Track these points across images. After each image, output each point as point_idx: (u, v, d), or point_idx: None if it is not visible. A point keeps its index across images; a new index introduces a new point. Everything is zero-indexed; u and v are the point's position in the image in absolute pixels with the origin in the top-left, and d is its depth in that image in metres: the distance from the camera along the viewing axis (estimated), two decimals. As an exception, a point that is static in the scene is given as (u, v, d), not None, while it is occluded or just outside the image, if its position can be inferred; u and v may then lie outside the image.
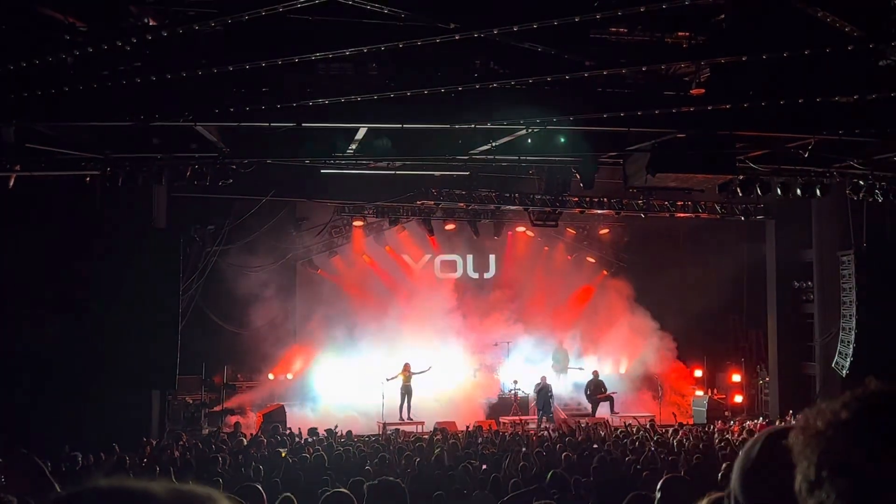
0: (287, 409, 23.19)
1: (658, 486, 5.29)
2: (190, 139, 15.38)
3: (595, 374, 26.44)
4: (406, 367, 24.40)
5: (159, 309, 18.55)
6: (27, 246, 17.86)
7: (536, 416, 24.40)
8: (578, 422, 22.86)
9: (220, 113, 13.13)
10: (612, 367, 28.15)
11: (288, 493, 7.91)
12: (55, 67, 11.19)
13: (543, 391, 24.64)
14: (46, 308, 17.73)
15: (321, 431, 19.17)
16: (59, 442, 14.19)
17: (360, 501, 5.58)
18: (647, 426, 20.34)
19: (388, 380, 23.75)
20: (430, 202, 22.70)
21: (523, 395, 26.50)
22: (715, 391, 27.12)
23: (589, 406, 25.93)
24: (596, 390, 25.78)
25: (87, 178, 16.43)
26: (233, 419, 22.76)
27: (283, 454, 12.50)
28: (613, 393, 26.11)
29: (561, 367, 27.93)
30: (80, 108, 12.86)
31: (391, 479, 5.73)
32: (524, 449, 15.43)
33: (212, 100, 12.80)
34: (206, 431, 20.34)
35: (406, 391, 24.17)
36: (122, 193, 16.71)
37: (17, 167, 15.58)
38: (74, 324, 17.72)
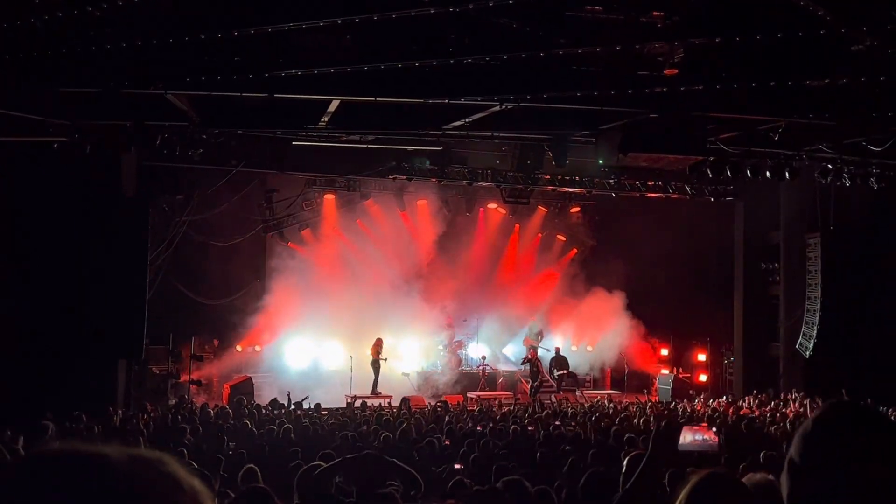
0: (255, 381, 23.18)
1: (625, 462, 5.33)
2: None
3: (557, 350, 26.71)
4: (378, 343, 24.43)
5: (127, 278, 18.34)
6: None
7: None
8: (541, 399, 23.03)
9: (191, 82, 12.98)
10: (579, 345, 28.37)
11: (251, 465, 7.91)
12: (24, 31, 11.00)
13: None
14: (11, 276, 17.49)
15: (280, 400, 19.28)
16: (22, 411, 14.02)
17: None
18: (608, 403, 20.57)
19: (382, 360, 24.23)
20: (402, 177, 22.59)
21: (491, 371, 26.66)
22: (680, 370, 27.42)
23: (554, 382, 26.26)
24: (558, 367, 26.04)
25: (55, 145, 16.19)
26: (200, 390, 22.71)
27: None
28: (574, 372, 26.49)
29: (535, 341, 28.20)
30: (49, 73, 12.65)
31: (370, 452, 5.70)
32: (490, 425, 15.51)
33: (183, 68, 12.64)
34: (172, 402, 20.22)
35: (377, 366, 24.22)
36: (89, 161, 16.46)
37: (-17, 132, 15.34)
38: (39, 292, 17.50)
